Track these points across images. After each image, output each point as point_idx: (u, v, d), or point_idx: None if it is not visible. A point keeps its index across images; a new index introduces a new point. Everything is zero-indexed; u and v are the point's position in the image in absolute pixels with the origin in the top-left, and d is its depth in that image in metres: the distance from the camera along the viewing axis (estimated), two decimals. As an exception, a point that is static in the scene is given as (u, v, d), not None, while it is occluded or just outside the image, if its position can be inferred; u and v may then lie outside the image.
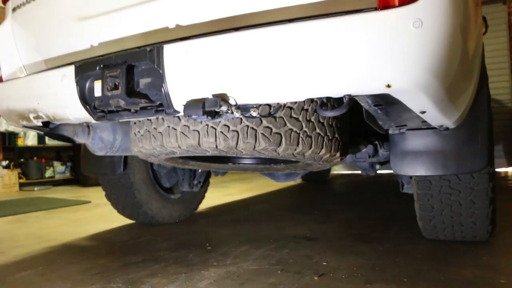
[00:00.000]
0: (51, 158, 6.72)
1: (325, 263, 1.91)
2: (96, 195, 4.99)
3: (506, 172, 6.11)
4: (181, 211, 3.14)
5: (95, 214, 3.63)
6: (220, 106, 1.34)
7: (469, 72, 1.44)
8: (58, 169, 6.80)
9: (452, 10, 1.16)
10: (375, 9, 1.16)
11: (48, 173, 6.63)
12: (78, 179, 6.87)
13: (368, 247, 2.15)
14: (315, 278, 1.71)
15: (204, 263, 1.99)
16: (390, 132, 1.79)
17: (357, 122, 1.93)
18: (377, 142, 2.15)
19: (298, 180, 2.37)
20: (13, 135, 6.27)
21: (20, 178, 6.17)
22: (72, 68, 1.62)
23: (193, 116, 1.37)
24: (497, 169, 6.46)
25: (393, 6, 1.14)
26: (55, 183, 6.67)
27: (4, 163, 6.06)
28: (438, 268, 1.75)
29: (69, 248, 2.41)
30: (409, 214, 2.09)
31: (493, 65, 6.50)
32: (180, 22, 1.53)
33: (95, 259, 2.11)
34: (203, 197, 3.40)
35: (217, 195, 4.66)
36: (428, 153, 1.71)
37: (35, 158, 6.52)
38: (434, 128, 1.66)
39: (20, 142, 6.21)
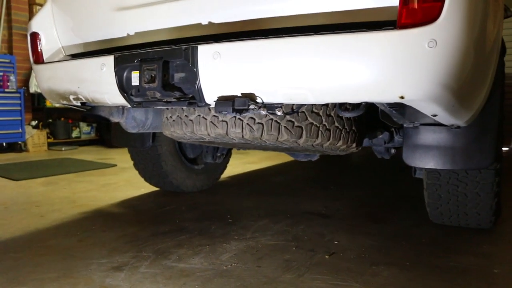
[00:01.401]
0: (78, 119, 6.97)
1: (336, 242, 2.08)
2: (121, 157, 5.22)
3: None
4: (204, 181, 3.33)
5: (122, 179, 3.85)
6: (248, 106, 1.47)
7: (482, 80, 1.54)
8: (84, 130, 7.07)
9: (466, 30, 1.25)
10: (394, 27, 1.26)
11: (75, 133, 6.90)
12: (103, 139, 7.14)
13: (377, 228, 2.30)
14: (326, 256, 1.89)
15: (226, 236, 2.18)
16: (405, 125, 1.91)
17: (374, 113, 2.04)
18: (393, 129, 2.26)
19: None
20: (42, 96, 6.50)
21: (48, 138, 6.44)
22: (111, 58, 1.76)
23: (223, 112, 1.51)
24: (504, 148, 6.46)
25: (411, 26, 1.23)
26: (81, 143, 6.94)
27: (34, 123, 6.32)
28: (439, 254, 1.90)
29: (101, 214, 2.63)
30: (421, 194, 2.22)
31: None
32: (212, 20, 1.65)
33: (126, 228, 2.31)
34: (225, 167, 3.58)
35: (238, 162, 4.83)
36: (438, 148, 1.82)
37: (62, 119, 6.77)
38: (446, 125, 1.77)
39: (48, 103, 6.44)
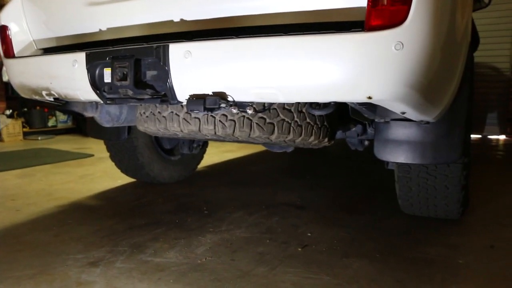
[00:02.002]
0: (54, 108, 6.84)
1: (309, 234, 2.13)
2: (98, 147, 5.16)
3: (497, 140, 6.29)
4: (181, 172, 3.34)
5: (99, 169, 3.84)
6: (219, 104, 1.49)
7: (449, 78, 1.58)
8: (61, 119, 6.96)
9: (433, 33, 1.29)
10: (362, 29, 1.29)
11: (51, 122, 6.80)
12: (80, 128, 7.04)
13: (350, 220, 2.36)
14: (299, 249, 1.93)
15: (201, 229, 2.21)
16: (376, 120, 1.95)
17: (347, 108, 2.08)
18: (366, 122, 2.30)
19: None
20: (16, 84, 6.37)
21: (23, 127, 6.32)
22: (83, 55, 1.75)
23: (194, 111, 1.53)
24: (489, 136, 6.65)
25: (379, 29, 1.26)
26: (57, 132, 6.84)
27: (8, 112, 6.20)
28: (409, 245, 1.97)
29: (78, 207, 2.62)
30: (394, 186, 2.28)
31: (495, 32, 6.52)
32: (183, 17, 1.65)
33: (103, 221, 2.32)
34: (202, 157, 3.60)
35: (215, 151, 4.84)
36: (408, 143, 1.87)
37: (38, 108, 6.65)
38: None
39: (23, 91, 6.30)
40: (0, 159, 4.45)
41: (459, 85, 1.81)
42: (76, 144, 5.63)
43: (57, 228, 2.21)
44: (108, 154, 3.12)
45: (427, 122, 1.83)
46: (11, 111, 6.26)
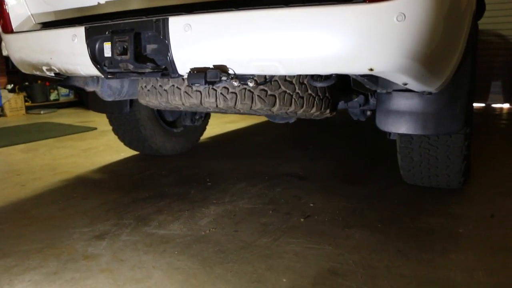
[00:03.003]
0: (55, 81, 6.82)
1: (312, 205, 2.15)
2: (101, 120, 5.17)
3: (501, 109, 6.25)
4: (183, 144, 3.35)
5: (102, 143, 3.85)
6: (220, 77, 1.48)
7: (452, 49, 1.56)
8: (63, 92, 6.94)
9: (436, 3, 1.26)
10: (364, 1, 1.26)
11: (53, 96, 6.78)
12: (82, 101, 7.04)
13: (352, 190, 2.38)
14: (301, 220, 1.96)
15: (205, 201, 2.24)
16: (378, 91, 1.94)
17: (349, 79, 2.07)
18: (368, 93, 2.29)
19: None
20: (16, 58, 6.32)
21: (26, 101, 6.31)
22: (82, 30, 1.73)
23: (196, 84, 1.52)
24: (493, 105, 6.61)
25: (380, 0, 1.24)
26: (60, 105, 6.83)
27: (9, 86, 6.18)
28: (410, 215, 1.99)
29: (82, 181, 2.65)
30: (396, 156, 2.29)
31: (500, -1, 6.38)
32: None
33: (107, 194, 2.35)
34: (204, 129, 3.60)
35: (217, 122, 4.84)
36: (410, 113, 1.87)
37: (39, 82, 6.62)
38: (418, 91, 1.81)
39: (24, 65, 6.26)
40: (4, 134, 4.47)
41: (462, 55, 1.79)
42: (78, 118, 5.64)
43: (63, 202, 2.24)
44: (110, 127, 3.12)
45: (429, 93, 1.82)
46: (12, 85, 6.24)
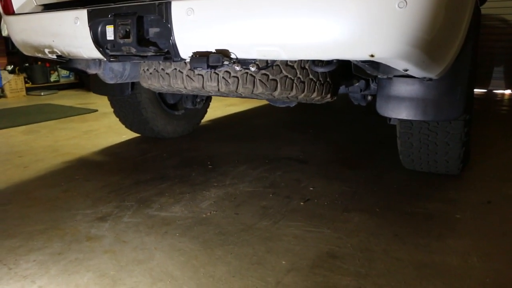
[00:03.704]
0: (55, 62, 6.79)
1: (311, 188, 2.18)
2: (102, 102, 5.17)
3: (503, 95, 6.25)
4: (185, 126, 3.37)
5: (104, 125, 3.87)
6: (222, 62, 1.49)
7: (453, 36, 1.56)
8: (63, 73, 6.92)
9: (437, -11, 1.26)
10: (366, -15, 1.26)
11: (53, 77, 6.76)
12: (82, 83, 7.02)
13: (352, 174, 2.41)
14: (301, 203, 1.99)
15: (206, 183, 2.26)
16: (379, 76, 1.94)
17: (350, 64, 2.07)
18: (369, 78, 2.29)
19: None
20: (16, 39, 6.28)
21: (26, 82, 6.30)
22: (84, 12, 1.73)
23: (198, 68, 1.53)
24: (494, 91, 6.60)
25: (382, -15, 1.24)
26: (60, 87, 6.82)
27: (9, 68, 6.16)
28: (408, 200, 2.02)
29: (84, 163, 2.67)
30: (396, 140, 2.30)
31: (505, -18, 6.32)
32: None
33: (109, 176, 2.37)
34: (205, 112, 3.62)
35: (218, 105, 4.85)
36: (411, 99, 1.88)
37: (39, 63, 6.59)
38: (419, 77, 1.81)
39: (24, 46, 6.22)
40: (5, 115, 4.48)
41: (464, 42, 1.79)
42: (79, 99, 5.64)
43: (65, 184, 2.27)
44: (111, 109, 3.13)
45: (430, 79, 1.83)
46: (12, 66, 6.22)
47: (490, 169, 2.49)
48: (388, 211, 1.89)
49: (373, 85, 2.33)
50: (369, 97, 2.68)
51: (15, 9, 2.13)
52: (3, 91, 5.96)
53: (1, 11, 2.17)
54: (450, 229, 1.72)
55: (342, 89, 2.37)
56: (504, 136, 3.40)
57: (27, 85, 6.31)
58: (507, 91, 6.56)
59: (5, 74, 5.98)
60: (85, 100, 5.52)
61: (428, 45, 1.38)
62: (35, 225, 1.76)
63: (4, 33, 6.16)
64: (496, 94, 6.33)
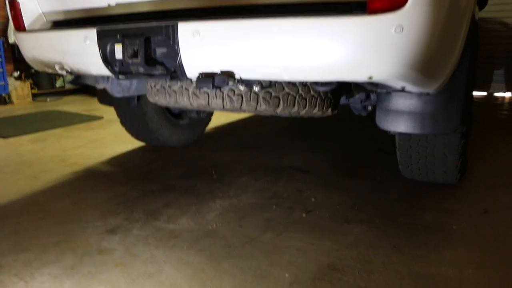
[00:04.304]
0: (61, 69, 6.86)
1: (313, 199, 2.24)
2: (107, 108, 5.19)
3: (503, 98, 6.29)
4: (189, 135, 3.44)
5: (109, 133, 3.94)
6: (227, 82, 1.56)
7: (450, 54, 1.62)
8: (68, 78, 6.99)
9: (433, 15, 1.33)
10: (364, 12, 1.33)
11: (59, 83, 6.85)
12: (87, 88, 7.10)
13: (353, 184, 2.47)
14: (303, 215, 2.05)
15: (211, 194, 2.33)
16: (378, 91, 2.01)
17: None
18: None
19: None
20: (22, 45, 6.37)
21: (32, 88, 6.38)
22: (94, 32, 1.80)
23: (204, 88, 1.60)
24: (495, 94, 6.65)
25: (380, 12, 1.31)
26: (65, 92, 6.90)
27: (16, 74, 6.24)
28: (407, 210, 2.08)
29: (92, 173, 2.75)
30: (396, 149, 2.37)
31: (505, -14, 6.37)
32: (191, -6, 1.69)
33: (117, 187, 2.45)
34: (209, 120, 3.68)
35: (222, 112, 4.91)
36: (409, 113, 1.94)
37: (45, 68, 6.67)
38: (417, 92, 1.88)
39: (29, 53, 6.31)
40: (12, 123, 4.56)
41: (460, 57, 1.85)
42: (84, 106, 5.71)
43: (74, 195, 2.34)
44: (116, 116, 3.19)
45: (428, 94, 1.89)
46: (18, 73, 6.30)
47: (487, 176, 2.55)
48: (387, 222, 1.95)
49: (373, 96, 2.40)
50: (370, 107, 2.75)
51: (26, 25, 2.21)
52: (9, 97, 6.04)
53: (13, 27, 2.24)
54: (447, 240, 1.79)
55: (343, 100, 2.43)
56: (503, 141, 3.46)
57: (33, 91, 6.39)
58: (508, 94, 6.61)
59: (11, 81, 6.06)
60: (90, 106, 5.60)
61: (425, 65, 1.45)
62: (48, 238, 1.83)
63: (11, 41, 6.27)
64: (496, 97, 6.38)
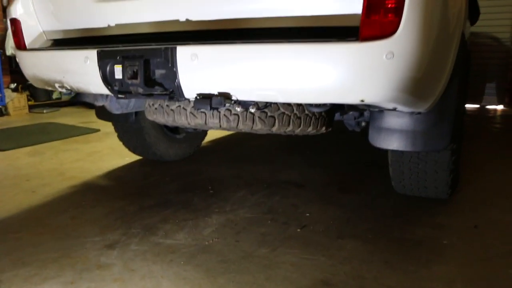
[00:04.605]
0: (57, 80, 6.89)
1: (308, 215, 2.29)
2: (103, 121, 5.29)
3: (495, 111, 6.39)
4: (186, 149, 3.48)
5: (106, 146, 3.98)
6: (224, 104, 1.62)
7: (439, 76, 1.69)
8: (64, 90, 7.02)
9: (423, 42, 1.39)
10: (356, 39, 1.39)
11: (55, 94, 6.86)
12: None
13: (347, 199, 2.52)
14: (298, 230, 2.10)
15: (207, 209, 2.37)
16: (370, 109, 2.07)
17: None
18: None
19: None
20: (19, 58, 6.41)
21: (28, 100, 6.41)
22: (94, 53, 1.85)
23: (201, 109, 1.65)
24: (487, 106, 6.76)
25: (371, 39, 1.37)
26: (62, 104, 6.92)
27: (13, 86, 6.27)
28: (399, 225, 2.13)
29: (89, 188, 2.78)
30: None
31: (496, 1, 6.51)
32: (189, 17, 1.75)
33: (115, 202, 2.48)
34: (205, 135, 3.73)
35: (217, 126, 4.96)
36: (401, 131, 2.00)
37: (42, 80, 6.70)
38: (408, 111, 1.93)
39: (26, 65, 6.35)
40: (10, 135, 4.59)
41: (450, 77, 1.92)
42: (81, 118, 5.74)
43: (73, 210, 2.38)
44: (113, 128, 3.24)
45: (419, 113, 1.95)
46: (15, 84, 6.34)
47: (478, 191, 2.61)
48: (380, 238, 2.00)
49: (366, 113, 2.45)
50: (363, 123, 2.81)
51: (27, 44, 2.26)
52: (6, 109, 6.07)
53: (14, 45, 2.29)
54: (437, 255, 1.84)
55: (337, 116, 2.49)
56: (495, 155, 3.53)
57: (29, 102, 6.42)
58: (499, 107, 6.71)
59: (8, 93, 6.09)
60: (87, 118, 5.63)
61: (415, 88, 1.51)
62: (48, 253, 1.87)
63: (8, 53, 6.32)
64: (488, 110, 6.48)
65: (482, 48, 6.70)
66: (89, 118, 5.63)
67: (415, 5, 1.36)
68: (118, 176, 3.05)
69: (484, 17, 6.06)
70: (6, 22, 6.38)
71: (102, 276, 1.68)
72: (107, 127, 4.68)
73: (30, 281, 1.65)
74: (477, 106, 6.85)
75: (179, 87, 1.70)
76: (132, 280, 1.65)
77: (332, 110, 2.11)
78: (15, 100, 6.14)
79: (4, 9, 6.33)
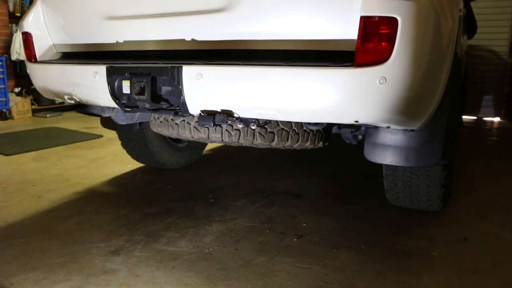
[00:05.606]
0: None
1: (304, 224, 2.38)
2: (106, 127, 5.40)
3: (492, 123, 6.50)
4: (187, 157, 3.58)
5: (110, 152, 4.07)
6: (227, 121, 1.72)
7: (432, 96, 1.78)
8: (73, 102, 7.13)
9: (415, 68, 1.49)
10: (352, 65, 1.49)
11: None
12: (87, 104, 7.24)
13: (342, 209, 2.62)
14: (295, 239, 2.19)
15: (208, 218, 2.46)
16: (366, 126, 2.17)
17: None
18: None
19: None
20: (24, 63, 6.53)
21: (32, 104, 6.52)
22: (104, 68, 1.95)
23: (205, 126, 1.75)
24: (484, 118, 6.88)
25: (366, 65, 1.47)
26: (65, 108, 7.04)
27: (17, 90, 6.38)
28: (392, 236, 2.22)
29: (94, 194, 2.88)
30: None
31: (494, 16, 6.64)
32: (194, 37, 1.85)
33: (119, 209, 2.58)
34: (206, 144, 3.83)
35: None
36: (395, 147, 2.10)
37: (45, 85, 6.81)
38: (402, 127, 2.03)
39: (31, 69, 6.47)
40: (14, 139, 4.68)
41: (442, 96, 2.01)
42: (84, 123, 5.84)
43: (78, 216, 2.47)
44: (116, 135, 3.33)
45: (412, 130, 2.05)
46: (19, 88, 6.44)
47: (470, 204, 2.71)
48: (373, 248, 2.09)
49: (363, 128, 2.56)
50: (360, 137, 2.91)
51: (37, 56, 2.36)
52: (10, 113, 6.17)
53: (25, 58, 2.39)
54: (427, 266, 1.93)
55: (334, 130, 2.59)
56: (488, 168, 3.63)
57: (33, 106, 6.53)
58: (496, 119, 6.82)
59: (12, 97, 6.20)
60: (90, 124, 5.73)
61: (407, 109, 1.61)
62: (55, 258, 1.96)
63: (13, 57, 6.43)
64: (485, 122, 6.58)
65: (480, 60, 6.83)
66: (92, 124, 5.73)
67: (407, 33, 1.46)
68: (121, 183, 3.15)
69: (483, 31, 6.21)
70: (11, 27, 6.50)
71: (108, 281, 1.77)
72: (110, 133, 4.81)
73: (39, 284, 1.74)
74: (475, 117, 6.96)
75: (184, 104, 1.80)
76: (137, 285, 1.74)
77: (330, 126, 2.21)
78: (19, 104, 6.24)
79: (10, 15, 6.45)
